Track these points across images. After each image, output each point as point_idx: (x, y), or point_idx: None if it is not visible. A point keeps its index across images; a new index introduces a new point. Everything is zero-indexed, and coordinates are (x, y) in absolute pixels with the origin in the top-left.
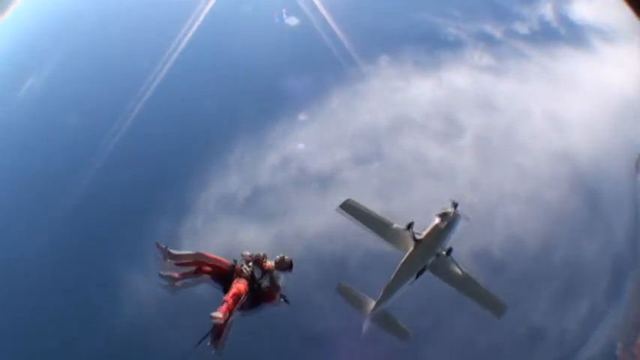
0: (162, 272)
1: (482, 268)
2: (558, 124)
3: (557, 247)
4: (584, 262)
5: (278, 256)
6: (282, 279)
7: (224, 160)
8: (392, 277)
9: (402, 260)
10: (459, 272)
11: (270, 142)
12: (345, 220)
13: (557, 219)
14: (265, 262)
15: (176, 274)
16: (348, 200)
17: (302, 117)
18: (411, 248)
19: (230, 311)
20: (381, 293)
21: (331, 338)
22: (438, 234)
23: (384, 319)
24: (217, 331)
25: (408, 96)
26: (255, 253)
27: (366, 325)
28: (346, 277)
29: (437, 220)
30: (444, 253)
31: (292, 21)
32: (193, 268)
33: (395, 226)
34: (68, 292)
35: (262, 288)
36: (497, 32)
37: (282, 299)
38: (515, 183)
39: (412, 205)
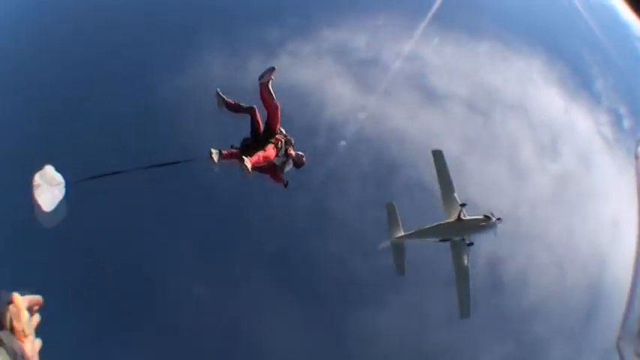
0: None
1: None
2: None
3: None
4: None
5: (300, 152)
6: (289, 168)
7: None
8: (427, 227)
9: (442, 222)
10: (465, 263)
11: None
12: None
13: None
14: (291, 147)
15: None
16: (439, 151)
17: None
18: (452, 220)
19: (256, 165)
20: (412, 231)
21: None
22: (474, 225)
23: (397, 249)
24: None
25: None
26: (290, 136)
27: (384, 244)
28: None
29: (481, 217)
30: (467, 241)
31: None
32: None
33: (455, 194)
34: None
35: (277, 164)
36: None
37: (285, 182)
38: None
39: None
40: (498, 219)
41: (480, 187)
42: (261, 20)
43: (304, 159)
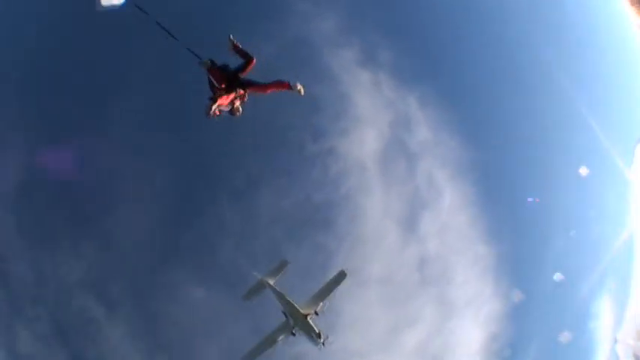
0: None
1: None
2: None
3: None
4: None
5: (241, 109)
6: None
7: None
8: (287, 297)
9: (297, 306)
10: (277, 338)
11: None
12: None
13: None
14: (240, 102)
15: None
16: (344, 273)
17: None
18: (302, 311)
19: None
20: (277, 288)
21: None
22: (307, 329)
23: (259, 287)
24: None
25: None
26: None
27: (257, 275)
28: None
29: (316, 330)
30: (293, 331)
31: None
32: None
33: (322, 303)
34: None
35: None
36: None
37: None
38: None
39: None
40: (325, 341)
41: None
42: None
43: (238, 114)
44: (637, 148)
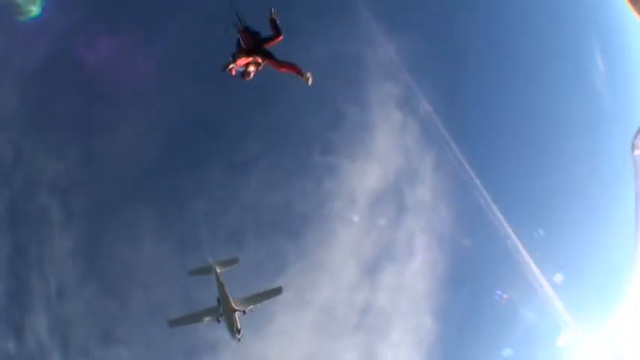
0: None
1: None
2: None
3: None
4: None
5: (252, 76)
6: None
7: None
8: (225, 288)
9: (230, 297)
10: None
11: None
12: None
13: None
14: (255, 67)
15: None
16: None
17: None
18: (231, 303)
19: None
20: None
21: None
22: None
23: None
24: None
25: None
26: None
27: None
28: None
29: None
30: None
31: None
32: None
33: (247, 307)
34: None
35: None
36: None
37: None
38: None
39: None
40: (240, 337)
41: None
42: None
43: (248, 78)
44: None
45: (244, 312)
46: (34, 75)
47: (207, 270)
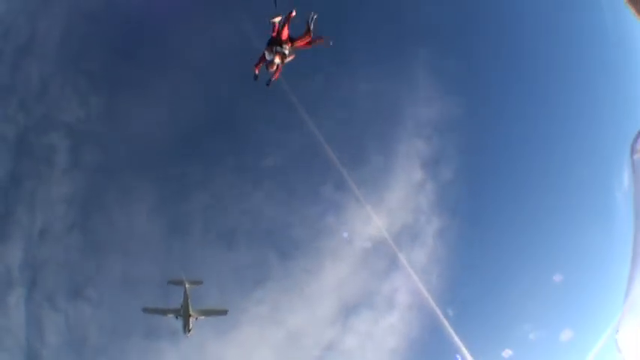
0: None
1: None
2: None
3: None
4: None
5: (276, 67)
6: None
7: None
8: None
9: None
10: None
11: None
12: None
13: None
14: (280, 58)
15: None
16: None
17: None
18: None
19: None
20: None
21: None
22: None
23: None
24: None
25: None
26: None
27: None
28: None
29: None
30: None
31: None
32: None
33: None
34: None
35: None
36: None
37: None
38: None
39: None
40: (189, 334)
41: None
42: None
43: (271, 69)
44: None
45: (196, 318)
46: (88, 15)
47: (180, 282)
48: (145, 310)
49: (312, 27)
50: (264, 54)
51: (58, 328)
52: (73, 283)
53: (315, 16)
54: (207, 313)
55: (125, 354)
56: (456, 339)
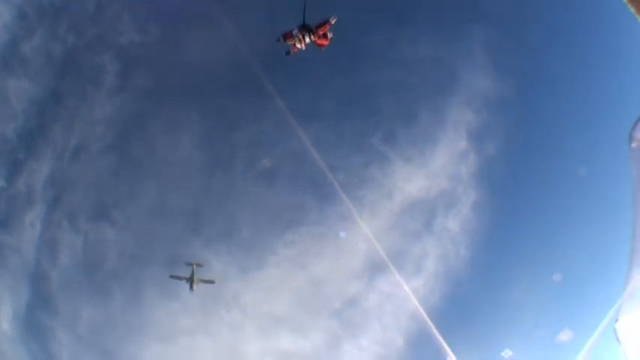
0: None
1: None
2: None
3: None
4: None
5: (296, 50)
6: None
7: None
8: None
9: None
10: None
11: None
12: None
13: None
14: (298, 41)
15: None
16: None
17: None
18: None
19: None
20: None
21: None
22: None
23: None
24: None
25: None
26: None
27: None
28: None
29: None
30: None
31: None
32: None
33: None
34: None
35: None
36: None
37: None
38: None
39: None
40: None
41: None
42: None
43: (290, 42)
44: None
45: (197, 284)
46: None
47: (190, 264)
48: (170, 276)
49: (332, 22)
50: (292, 32)
51: (73, 249)
52: (99, 205)
53: (334, 20)
54: (204, 281)
55: (140, 282)
56: (476, 313)
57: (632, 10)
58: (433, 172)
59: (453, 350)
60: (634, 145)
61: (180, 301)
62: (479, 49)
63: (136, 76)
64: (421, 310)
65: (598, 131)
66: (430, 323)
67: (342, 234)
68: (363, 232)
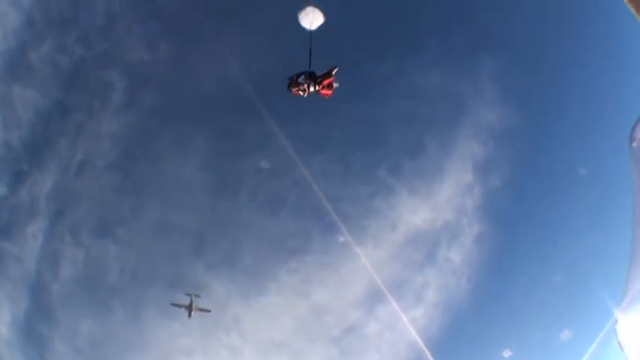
0: None
1: None
2: None
3: None
4: None
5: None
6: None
7: None
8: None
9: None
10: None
11: None
12: None
13: None
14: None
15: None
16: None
17: None
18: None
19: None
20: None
21: None
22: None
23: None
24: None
25: None
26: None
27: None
28: None
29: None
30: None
31: None
32: None
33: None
34: None
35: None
36: None
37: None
38: None
39: None
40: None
41: None
42: None
43: (302, 93)
44: None
45: (195, 311)
46: None
47: (191, 294)
48: (172, 304)
49: (333, 73)
50: (297, 77)
51: (75, 263)
52: (102, 221)
53: (337, 69)
54: (201, 310)
55: (141, 300)
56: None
57: (632, 10)
58: (438, 204)
59: None
60: (634, 144)
61: (180, 321)
62: (487, 80)
63: (143, 93)
64: (420, 339)
65: (599, 133)
66: (428, 353)
67: (343, 264)
68: (366, 261)
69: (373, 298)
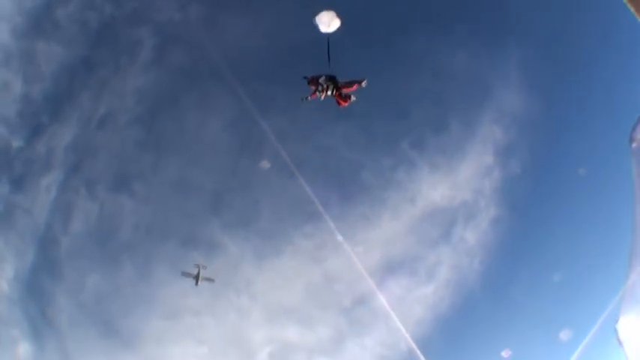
0: None
1: None
2: None
3: None
4: None
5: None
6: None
7: None
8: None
9: None
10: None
11: None
12: None
13: None
14: (324, 92)
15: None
16: None
17: None
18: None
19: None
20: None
21: None
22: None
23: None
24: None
25: None
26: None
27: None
28: None
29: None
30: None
31: None
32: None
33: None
34: None
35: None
36: None
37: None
38: None
39: None
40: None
41: None
42: None
43: (321, 96)
44: None
45: (202, 280)
46: None
47: (197, 265)
48: (182, 273)
49: (362, 85)
50: (319, 79)
51: (88, 217)
52: (120, 175)
53: (365, 82)
54: (206, 279)
55: (152, 257)
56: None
57: (632, 10)
58: (457, 183)
59: (455, 356)
60: (634, 145)
61: (190, 280)
62: (513, 68)
63: (172, 52)
64: (429, 316)
65: (600, 133)
66: (437, 330)
67: (359, 232)
68: (383, 233)
69: (386, 271)
